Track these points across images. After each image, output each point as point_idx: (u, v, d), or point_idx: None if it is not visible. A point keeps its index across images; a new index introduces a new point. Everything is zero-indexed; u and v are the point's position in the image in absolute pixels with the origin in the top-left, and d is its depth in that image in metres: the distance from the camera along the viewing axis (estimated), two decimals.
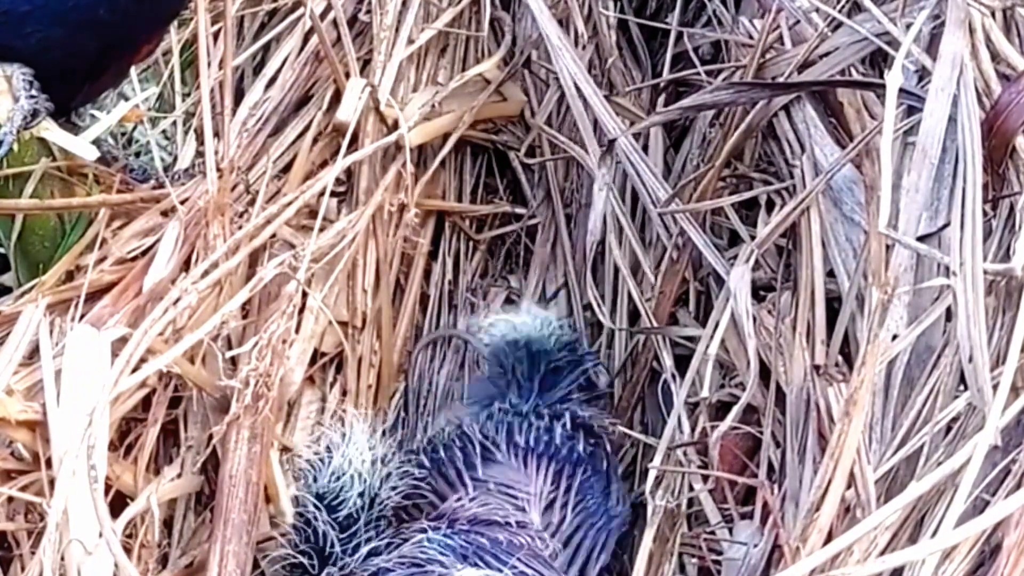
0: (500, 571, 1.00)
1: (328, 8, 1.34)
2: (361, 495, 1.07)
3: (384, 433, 1.13)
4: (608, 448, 1.19)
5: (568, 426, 1.17)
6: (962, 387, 0.90)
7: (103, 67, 1.22)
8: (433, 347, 1.36)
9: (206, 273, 1.13)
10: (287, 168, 1.29)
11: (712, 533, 1.06)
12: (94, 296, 1.15)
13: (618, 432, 1.22)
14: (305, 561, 1.05)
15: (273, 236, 1.21)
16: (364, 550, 1.04)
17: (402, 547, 1.02)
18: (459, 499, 1.09)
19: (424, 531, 1.04)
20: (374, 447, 1.10)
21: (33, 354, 1.08)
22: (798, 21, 1.21)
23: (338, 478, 1.08)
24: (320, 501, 1.07)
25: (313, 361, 1.25)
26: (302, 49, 1.35)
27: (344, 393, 1.27)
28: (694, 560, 1.07)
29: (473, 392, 1.26)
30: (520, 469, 1.12)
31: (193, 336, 1.09)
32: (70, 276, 1.20)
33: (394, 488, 1.09)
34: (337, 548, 1.05)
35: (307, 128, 1.31)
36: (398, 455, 1.14)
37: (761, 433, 1.07)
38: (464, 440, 1.15)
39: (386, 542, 1.04)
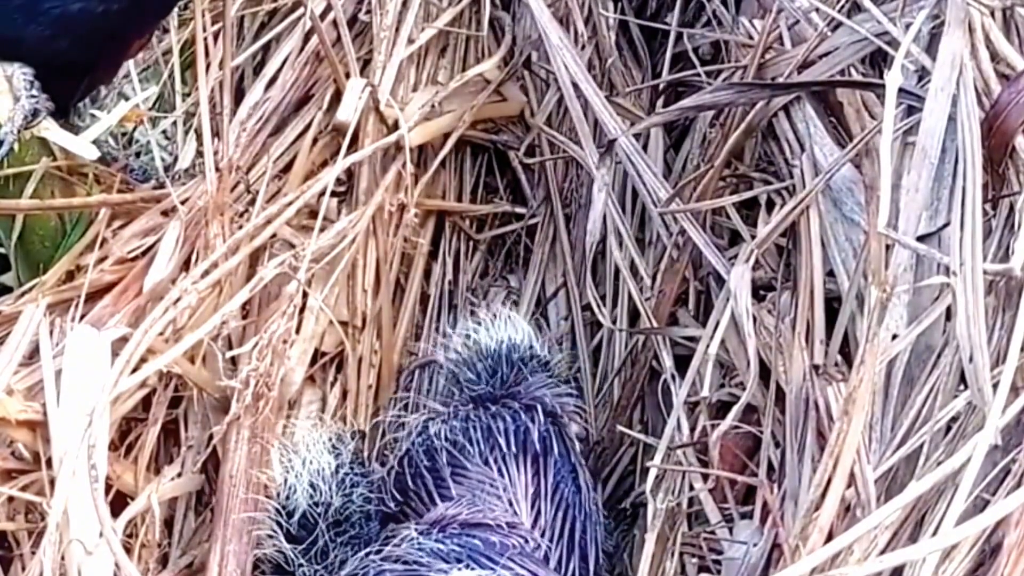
0: (493, 570, 1.00)
1: (328, 8, 1.34)
2: (316, 504, 1.08)
3: (352, 438, 1.14)
4: (571, 435, 1.19)
5: (541, 418, 1.16)
6: (962, 386, 0.90)
7: (99, 61, 1.22)
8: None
9: (206, 273, 1.13)
10: (287, 168, 1.29)
11: (712, 532, 1.07)
12: (94, 296, 1.15)
13: (582, 424, 1.23)
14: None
15: (273, 236, 1.21)
16: (332, 557, 1.06)
17: (395, 549, 1.03)
18: (448, 504, 1.09)
19: (417, 534, 1.05)
20: (338, 455, 1.11)
21: (33, 354, 1.08)
22: (798, 21, 1.22)
23: (293, 489, 1.09)
24: (278, 513, 1.08)
25: (313, 361, 1.25)
26: (302, 49, 1.35)
27: (344, 393, 1.27)
28: (694, 559, 1.07)
29: (445, 391, 1.25)
30: (494, 472, 1.12)
31: (193, 336, 1.09)
32: (70, 276, 1.20)
33: (357, 496, 1.10)
34: (294, 556, 1.07)
35: (307, 128, 1.31)
36: (362, 463, 1.16)
37: (761, 433, 1.07)
38: (432, 453, 1.14)
39: (376, 548, 1.05)
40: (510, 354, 1.21)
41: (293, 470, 1.10)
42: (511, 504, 1.10)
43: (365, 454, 1.22)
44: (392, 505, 1.13)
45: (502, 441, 1.14)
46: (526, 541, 1.07)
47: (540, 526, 1.10)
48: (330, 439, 1.13)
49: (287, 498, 1.09)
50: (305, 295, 1.19)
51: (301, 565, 1.07)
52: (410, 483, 1.13)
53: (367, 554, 1.04)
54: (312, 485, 1.09)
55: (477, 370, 1.20)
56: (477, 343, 1.21)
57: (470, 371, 1.20)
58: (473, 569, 1.00)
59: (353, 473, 1.12)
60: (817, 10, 1.20)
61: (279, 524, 1.08)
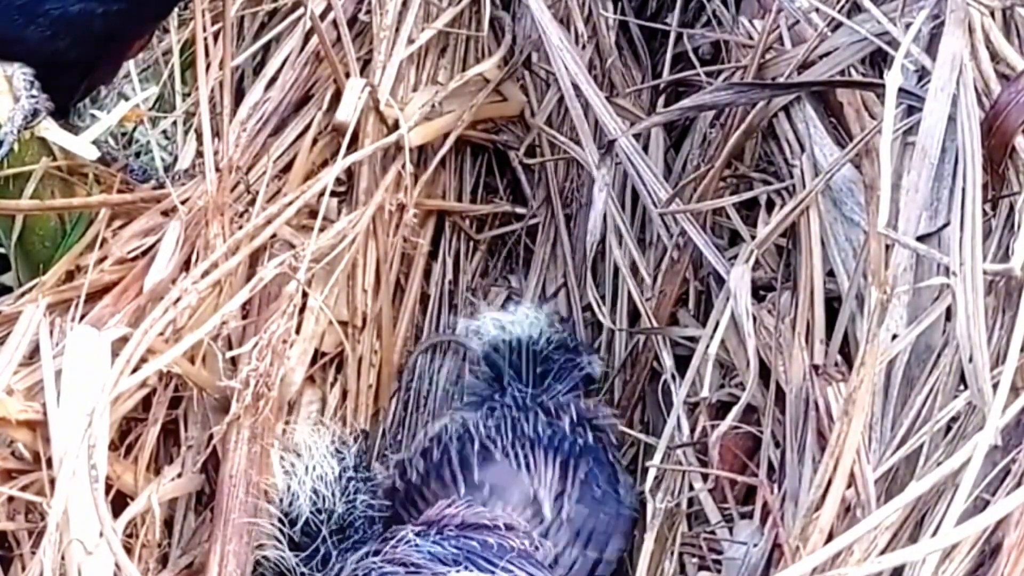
0: (492, 573, 1.00)
1: (328, 8, 1.34)
2: (318, 511, 1.09)
3: (355, 440, 1.14)
4: (611, 440, 1.19)
5: (574, 419, 1.17)
6: (962, 387, 0.90)
7: (98, 62, 1.22)
8: (432, 349, 1.36)
9: (206, 273, 1.13)
10: (287, 168, 1.29)
11: (712, 532, 1.07)
12: (94, 296, 1.15)
13: (618, 427, 1.23)
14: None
15: (273, 236, 1.21)
16: (334, 563, 1.07)
17: (393, 550, 1.03)
18: (447, 505, 1.10)
19: (414, 536, 1.05)
20: (341, 460, 1.11)
21: (33, 354, 1.08)
22: (798, 21, 1.22)
23: (296, 496, 1.09)
24: (280, 520, 1.09)
25: (313, 361, 1.25)
26: (302, 49, 1.35)
27: (344, 393, 1.27)
28: (694, 559, 1.07)
29: (471, 391, 1.26)
30: (522, 466, 1.13)
31: (193, 336, 1.09)
32: (70, 276, 1.20)
33: (360, 501, 1.11)
34: (296, 564, 1.07)
35: (307, 128, 1.31)
36: (367, 466, 1.16)
37: (761, 433, 1.07)
38: (464, 440, 1.15)
39: (374, 548, 1.05)
40: (548, 346, 1.21)
41: (296, 476, 1.10)
42: (535, 499, 1.11)
43: (369, 455, 1.23)
44: (415, 479, 1.13)
45: (533, 438, 1.14)
46: (525, 543, 1.07)
47: (559, 523, 1.10)
48: (333, 443, 1.13)
49: (290, 504, 1.09)
50: (305, 295, 1.19)
51: (303, 573, 1.07)
52: (435, 460, 1.13)
53: (365, 554, 1.04)
54: (315, 491, 1.09)
55: (514, 360, 1.21)
56: (515, 331, 1.22)
57: (507, 360, 1.21)
58: (471, 571, 1.00)
59: (356, 478, 1.12)
60: (817, 10, 1.20)
61: (281, 531, 1.08)
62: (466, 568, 1.00)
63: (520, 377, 1.21)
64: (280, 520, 1.08)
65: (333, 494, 1.10)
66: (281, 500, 1.09)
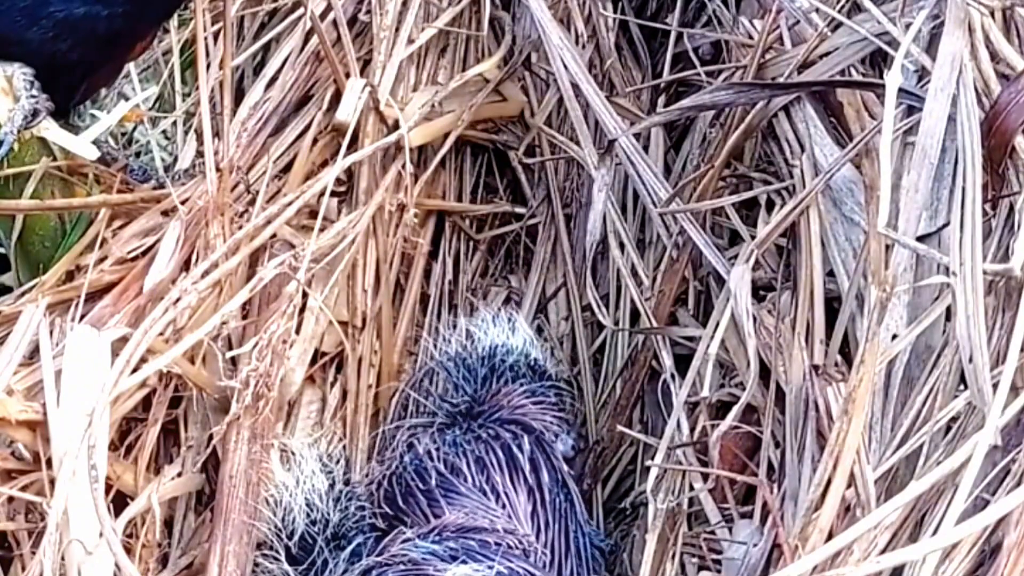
0: (490, 566, 1.01)
1: (328, 8, 1.34)
2: (313, 523, 1.09)
3: (338, 462, 1.14)
4: (556, 452, 1.19)
5: (525, 437, 1.17)
6: (962, 386, 0.90)
7: (100, 63, 1.22)
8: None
9: (206, 273, 1.13)
10: (287, 168, 1.29)
11: (712, 532, 1.07)
12: (94, 296, 1.15)
13: (587, 439, 1.23)
14: None
15: (273, 236, 1.21)
16: (332, 571, 1.07)
17: (392, 549, 1.03)
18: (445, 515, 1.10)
19: (414, 536, 1.05)
20: (329, 472, 1.11)
21: (33, 354, 1.08)
22: (798, 21, 1.22)
23: (289, 510, 1.09)
24: (276, 533, 1.09)
25: (313, 361, 1.24)
26: (302, 49, 1.35)
27: (344, 393, 1.27)
28: (694, 559, 1.07)
29: (438, 406, 1.25)
30: (489, 495, 1.12)
31: (193, 336, 1.09)
32: (70, 276, 1.20)
33: (354, 509, 1.11)
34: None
35: (307, 128, 1.31)
36: (357, 478, 1.17)
37: (761, 433, 1.07)
38: (423, 476, 1.13)
39: (376, 552, 1.05)
40: (500, 359, 1.21)
41: (288, 490, 1.10)
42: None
43: (351, 475, 1.22)
44: (381, 523, 1.12)
45: (495, 472, 1.13)
46: (523, 546, 1.07)
47: (542, 541, 1.10)
48: (320, 457, 1.13)
49: (282, 519, 1.09)
50: (305, 295, 1.19)
51: None
52: (401, 503, 1.13)
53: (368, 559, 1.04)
54: (308, 504, 1.09)
55: (463, 376, 1.20)
56: (467, 346, 1.22)
57: (457, 375, 1.20)
58: (468, 564, 1.01)
59: (347, 487, 1.12)
60: (817, 10, 1.20)
61: (278, 544, 1.08)
62: (463, 563, 1.01)
63: (472, 392, 1.20)
64: (276, 534, 1.08)
65: (327, 505, 1.10)
66: (275, 514, 1.09)
